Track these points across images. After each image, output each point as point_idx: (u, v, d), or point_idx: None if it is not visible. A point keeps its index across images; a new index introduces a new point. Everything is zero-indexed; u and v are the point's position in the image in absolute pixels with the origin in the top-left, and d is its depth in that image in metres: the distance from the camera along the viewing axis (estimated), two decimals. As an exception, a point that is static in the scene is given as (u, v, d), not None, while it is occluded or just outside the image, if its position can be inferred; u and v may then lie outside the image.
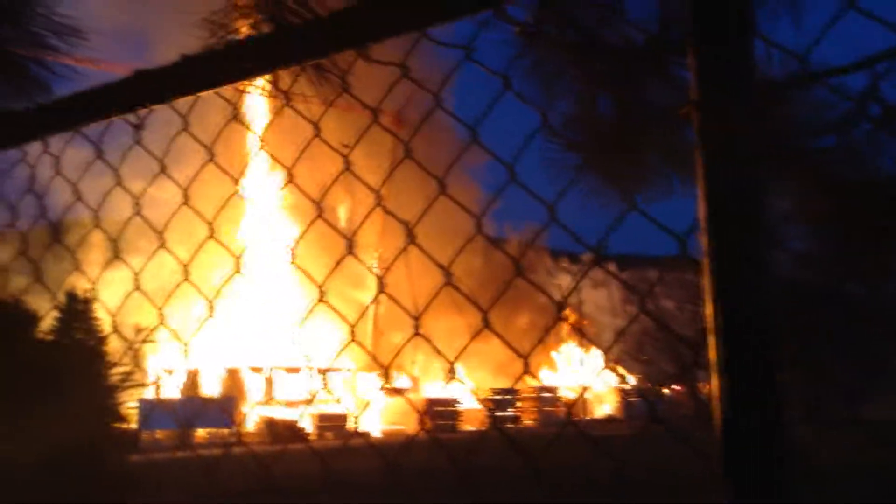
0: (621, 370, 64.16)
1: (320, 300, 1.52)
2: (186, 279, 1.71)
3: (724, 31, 1.16)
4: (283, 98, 1.52)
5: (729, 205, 1.15)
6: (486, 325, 1.27)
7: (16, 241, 1.92)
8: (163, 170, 1.73)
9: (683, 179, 1.52)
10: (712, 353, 1.15)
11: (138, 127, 1.62)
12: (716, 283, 1.17)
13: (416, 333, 1.32)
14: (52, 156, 1.78)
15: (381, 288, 1.31)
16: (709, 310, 1.19)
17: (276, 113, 1.51)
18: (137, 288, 1.77)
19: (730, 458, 1.09)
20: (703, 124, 1.16)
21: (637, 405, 59.23)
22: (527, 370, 1.29)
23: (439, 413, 52.13)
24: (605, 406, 60.73)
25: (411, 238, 1.32)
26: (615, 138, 1.49)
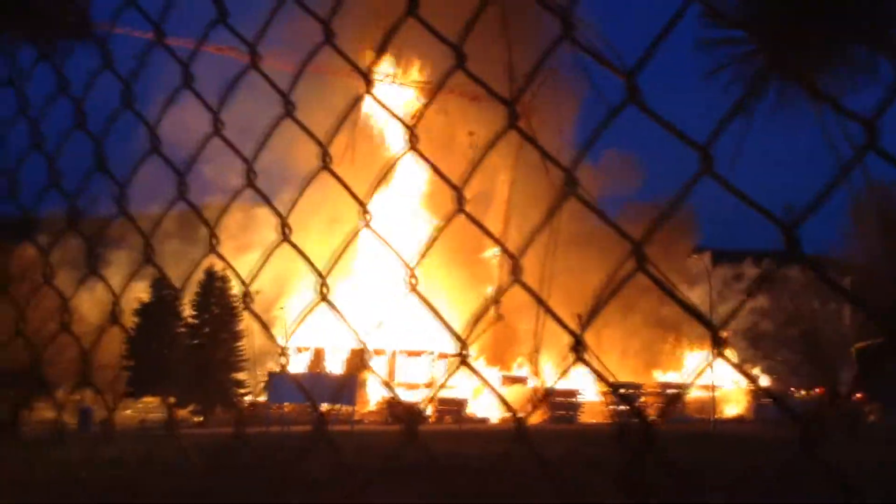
0: (753, 370, 61.34)
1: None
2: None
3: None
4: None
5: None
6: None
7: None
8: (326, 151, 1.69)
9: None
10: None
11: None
12: None
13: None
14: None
15: (516, 275, 1.22)
16: None
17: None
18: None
19: None
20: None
21: (767, 407, 56.42)
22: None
23: (559, 404, 51.57)
24: (733, 407, 58.22)
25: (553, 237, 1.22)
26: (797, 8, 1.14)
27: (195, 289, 45.70)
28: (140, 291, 41.32)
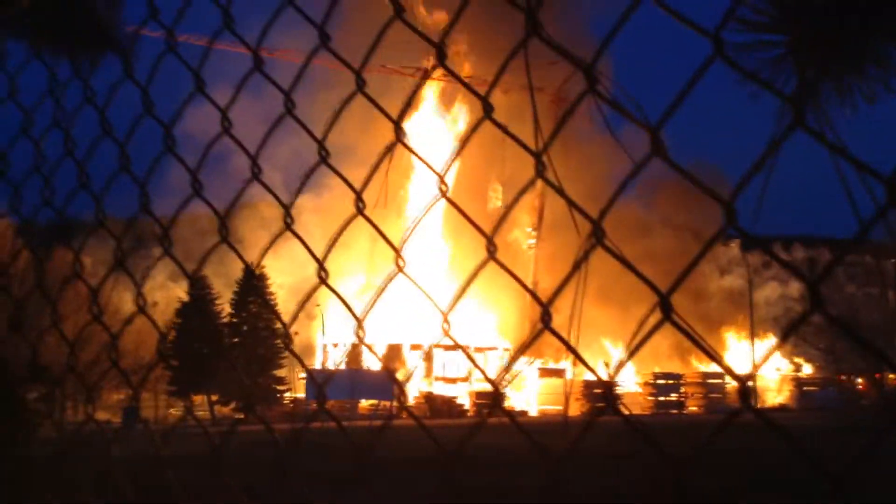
0: (796, 359, 60.47)
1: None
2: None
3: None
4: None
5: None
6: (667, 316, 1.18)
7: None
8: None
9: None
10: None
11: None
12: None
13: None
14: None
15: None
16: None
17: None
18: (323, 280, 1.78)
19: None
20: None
21: (810, 394, 55.50)
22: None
23: (598, 396, 51.31)
24: (776, 395, 57.44)
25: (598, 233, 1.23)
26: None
27: (233, 287, 46.45)
28: (181, 290, 42.13)
